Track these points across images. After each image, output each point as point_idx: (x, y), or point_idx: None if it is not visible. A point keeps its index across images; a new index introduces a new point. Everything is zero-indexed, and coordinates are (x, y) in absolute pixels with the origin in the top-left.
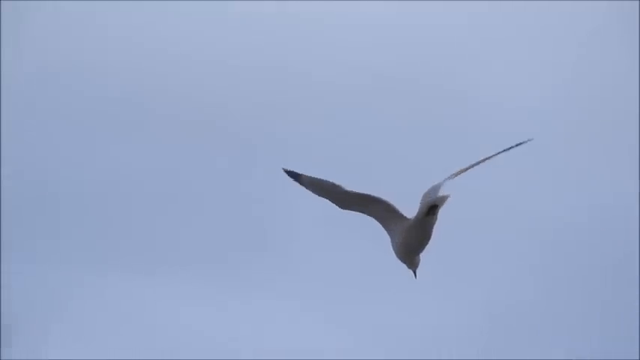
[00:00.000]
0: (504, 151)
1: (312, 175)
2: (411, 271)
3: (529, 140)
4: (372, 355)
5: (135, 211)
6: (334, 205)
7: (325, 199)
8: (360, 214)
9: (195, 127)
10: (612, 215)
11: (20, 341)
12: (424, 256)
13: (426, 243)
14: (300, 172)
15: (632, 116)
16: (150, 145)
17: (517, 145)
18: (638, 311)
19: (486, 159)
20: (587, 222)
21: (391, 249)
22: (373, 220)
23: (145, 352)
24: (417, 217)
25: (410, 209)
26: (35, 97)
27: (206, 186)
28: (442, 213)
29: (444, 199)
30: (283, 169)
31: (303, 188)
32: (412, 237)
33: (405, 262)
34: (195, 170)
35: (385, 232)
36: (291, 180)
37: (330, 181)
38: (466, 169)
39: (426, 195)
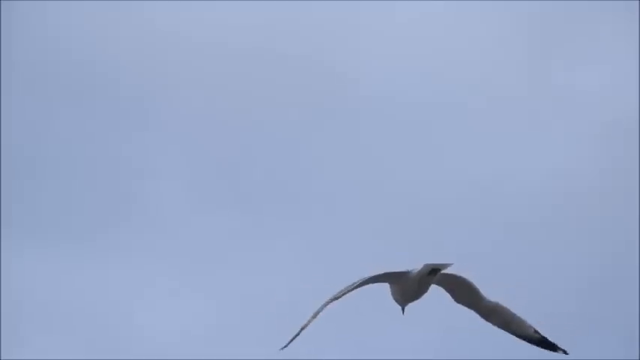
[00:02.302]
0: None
1: (326, 303)
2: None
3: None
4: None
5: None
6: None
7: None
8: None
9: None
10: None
11: None
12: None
13: (422, 294)
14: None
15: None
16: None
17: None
18: (638, 311)
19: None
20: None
21: (389, 292)
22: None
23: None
24: (419, 274)
25: None
26: None
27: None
28: None
29: (446, 265)
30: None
31: None
32: (411, 289)
33: (398, 305)
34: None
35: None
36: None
37: (342, 292)
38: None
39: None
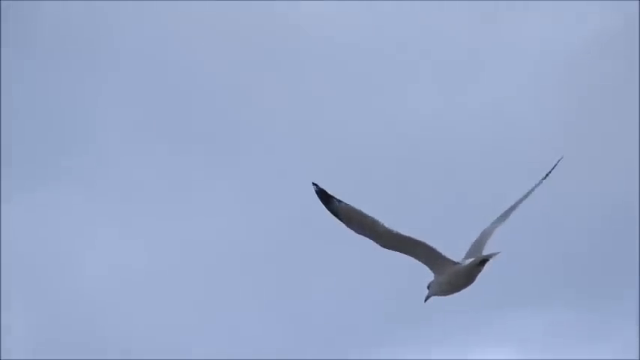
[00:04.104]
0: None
1: (351, 205)
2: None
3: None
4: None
5: None
6: (375, 243)
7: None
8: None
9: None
10: None
11: None
12: None
13: (469, 285)
14: (336, 197)
15: None
16: None
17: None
18: (637, 312)
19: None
20: None
21: (433, 280)
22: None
23: None
24: (468, 266)
25: None
26: None
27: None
28: None
29: (494, 254)
30: (314, 184)
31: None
32: (460, 280)
33: (440, 295)
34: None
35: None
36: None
37: (371, 216)
38: (512, 208)
39: (476, 242)
